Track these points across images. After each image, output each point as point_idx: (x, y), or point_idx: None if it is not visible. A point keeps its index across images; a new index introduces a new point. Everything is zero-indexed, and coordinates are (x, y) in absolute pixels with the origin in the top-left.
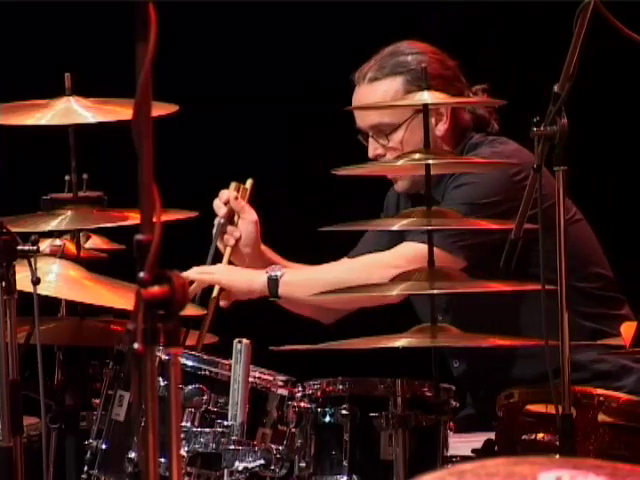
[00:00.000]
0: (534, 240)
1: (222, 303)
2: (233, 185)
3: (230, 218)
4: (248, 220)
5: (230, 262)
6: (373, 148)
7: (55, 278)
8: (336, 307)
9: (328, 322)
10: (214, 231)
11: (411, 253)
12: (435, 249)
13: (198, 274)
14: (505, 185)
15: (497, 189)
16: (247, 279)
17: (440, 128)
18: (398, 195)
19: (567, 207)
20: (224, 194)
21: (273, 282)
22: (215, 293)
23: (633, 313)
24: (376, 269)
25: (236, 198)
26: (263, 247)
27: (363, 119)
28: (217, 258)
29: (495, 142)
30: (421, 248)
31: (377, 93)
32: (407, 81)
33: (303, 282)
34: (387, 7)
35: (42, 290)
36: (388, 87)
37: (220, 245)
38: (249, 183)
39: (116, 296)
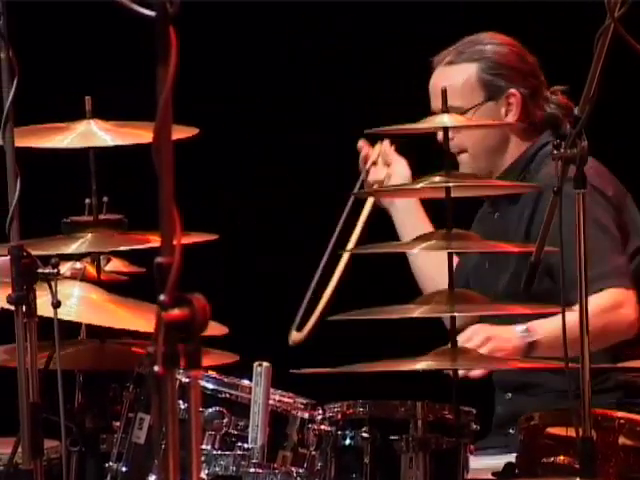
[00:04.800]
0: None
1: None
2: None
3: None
4: (400, 164)
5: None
6: None
7: (77, 302)
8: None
9: None
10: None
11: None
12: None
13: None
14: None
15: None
16: (509, 339)
17: (509, 119)
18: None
19: None
20: (371, 153)
21: (529, 345)
22: None
23: None
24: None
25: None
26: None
27: (435, 101)
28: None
29: None
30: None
31: (451, 76)
32: (481, 69)
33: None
34: (396, 8)
35: (63, 314)
36: (462, 72)
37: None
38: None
39: (138, 318)
